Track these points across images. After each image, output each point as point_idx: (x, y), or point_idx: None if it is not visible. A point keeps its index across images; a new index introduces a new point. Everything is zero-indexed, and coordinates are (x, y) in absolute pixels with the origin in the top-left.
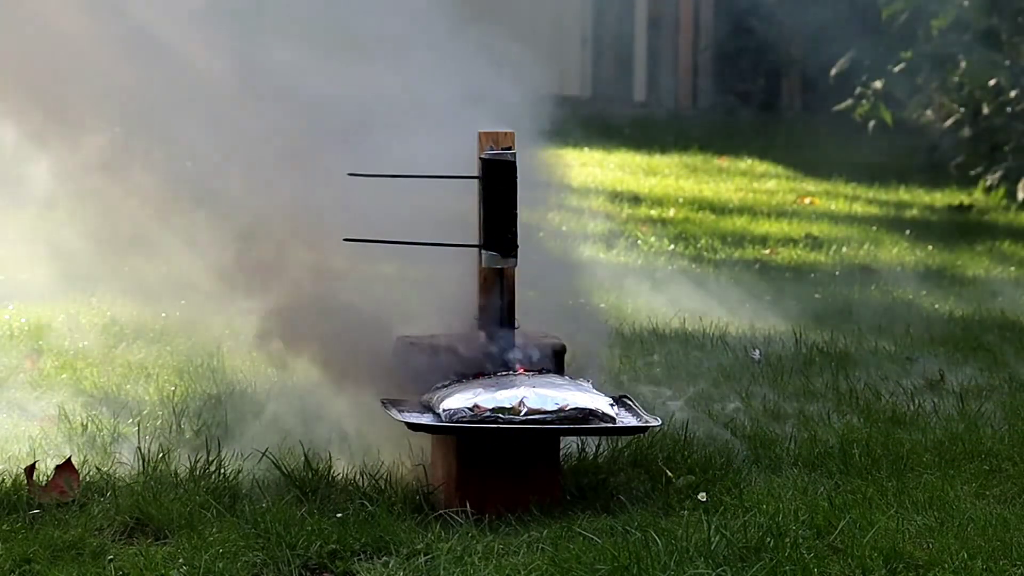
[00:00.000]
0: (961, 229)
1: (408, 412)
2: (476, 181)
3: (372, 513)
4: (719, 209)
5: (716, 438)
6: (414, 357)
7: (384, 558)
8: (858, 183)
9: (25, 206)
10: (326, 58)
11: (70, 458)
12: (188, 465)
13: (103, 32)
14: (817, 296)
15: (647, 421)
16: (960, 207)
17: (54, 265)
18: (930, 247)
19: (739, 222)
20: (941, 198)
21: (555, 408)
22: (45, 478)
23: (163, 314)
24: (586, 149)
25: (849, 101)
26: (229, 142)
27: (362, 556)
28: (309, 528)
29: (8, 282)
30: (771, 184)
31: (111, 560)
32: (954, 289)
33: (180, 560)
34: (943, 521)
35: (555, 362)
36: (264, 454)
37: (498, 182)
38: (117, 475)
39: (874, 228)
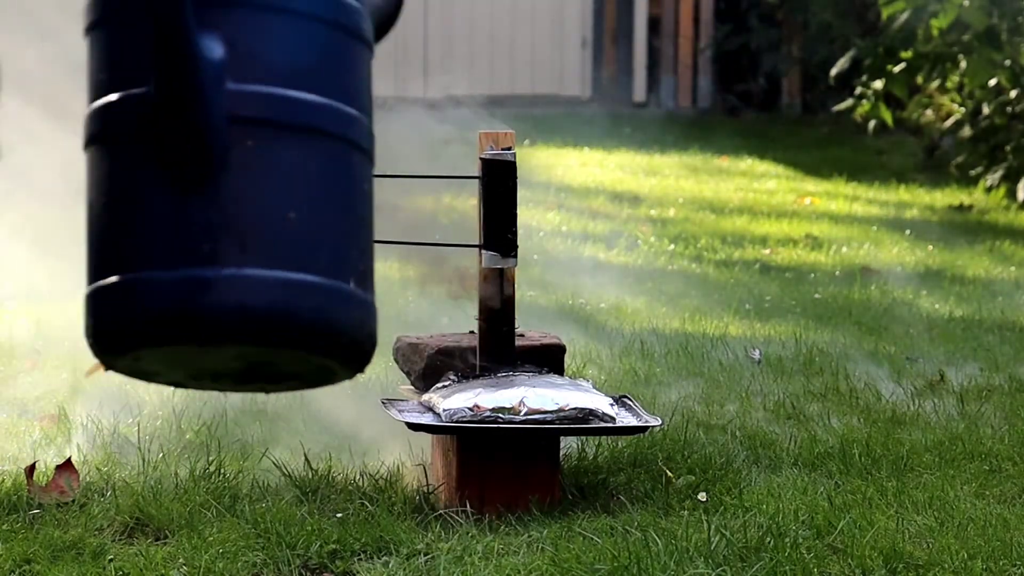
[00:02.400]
0: (961, 229)
1: (408, 412)
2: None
3: (372, 513)
4: (719, 209)
5: (716, 438)
6: (415, 357)
7: (384, 558)
8: (858, 183)
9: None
10: None
11: (70, 458)
12: (188, 465)
13: None
14: (817, 296)
15: (647, 421)
16: (960, 207)
17: (54, 264)
18: (930, 247)
19: (739, 222)
20: (941, 198)
21: (555, 408)
22: (45, 478)
23: None
24: (586, 149)
25: (849, 101)
26: None
27: (362, 556)
28: (309, 528)
29: (8, 282)
30: (771, 184)
31: (111, 560)
32: (954, 289)
33: (180, 560)
34: (943, 521)
35: (555, 362)
36: (264, 454)
37: (498, 182)
38: (117, 475)
39: (874, 228)
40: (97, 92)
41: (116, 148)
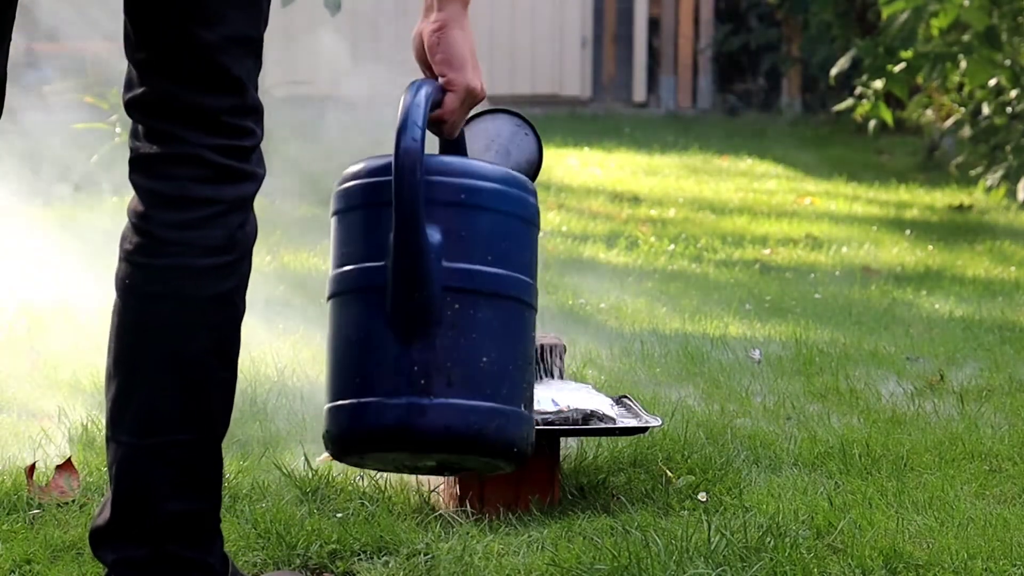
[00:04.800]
0: (961, 229)
1: None
2: None
3: (372, 513)
4: (719, 209)
5: (716, 438)
6: None
7: (384, 558)
8: (858, 183)
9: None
10: None
11: (70, 458)
12: None
13: None
14: (817, 296)
15: (647, 421)
16: (960, 207)
17: (55, 263)
18: (930, 247)
19: (739, 222)
20: (941, 198)
21: (555, 408)
22: (45, 478)
23: None
24: (586, 149)
25: (849, 101)
26: None
27: (362, 556)
28: (309, 528)
29: (8, 282)
30: (771, 184)
31: None
32: (954, 289)
33: None
34: (943, 521)
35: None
36: (264, 454)
37: None
38: None
39: (874, 228)
40: (342, 261)
41: (357, 302)
